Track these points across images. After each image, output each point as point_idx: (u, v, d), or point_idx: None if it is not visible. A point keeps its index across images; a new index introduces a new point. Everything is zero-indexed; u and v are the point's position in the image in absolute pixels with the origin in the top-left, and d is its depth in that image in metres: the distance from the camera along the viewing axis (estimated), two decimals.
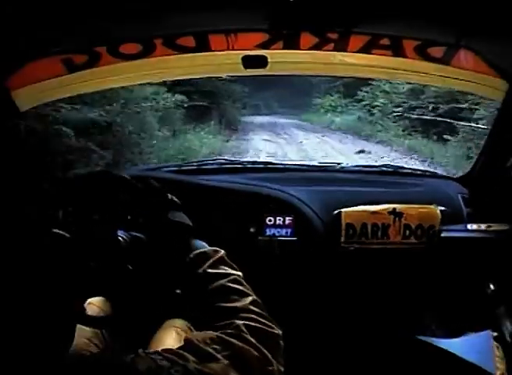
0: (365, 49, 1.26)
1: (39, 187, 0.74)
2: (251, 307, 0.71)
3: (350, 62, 1.35)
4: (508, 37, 1.04)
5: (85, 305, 0.68)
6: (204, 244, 0.87)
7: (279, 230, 1.42)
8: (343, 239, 1.38)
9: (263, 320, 0.70)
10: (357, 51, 1.27)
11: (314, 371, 1.41)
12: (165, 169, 1.64)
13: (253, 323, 0.68)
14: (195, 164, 1.69)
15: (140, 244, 0.86)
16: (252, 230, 1.42)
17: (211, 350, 0.62)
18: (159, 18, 1.07)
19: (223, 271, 0.78)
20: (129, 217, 0.87)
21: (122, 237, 0.82)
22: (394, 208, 1.38)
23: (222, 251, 0.83)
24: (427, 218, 1.38)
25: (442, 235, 1.38)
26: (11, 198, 0.63)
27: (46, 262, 0.57)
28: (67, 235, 0.62)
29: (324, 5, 1.02)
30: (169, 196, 0.92)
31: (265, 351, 0.65)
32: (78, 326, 0.62)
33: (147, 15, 1.04)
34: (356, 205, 1.40)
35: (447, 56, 1.25)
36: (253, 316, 0.70)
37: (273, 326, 0.71)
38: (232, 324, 0.67)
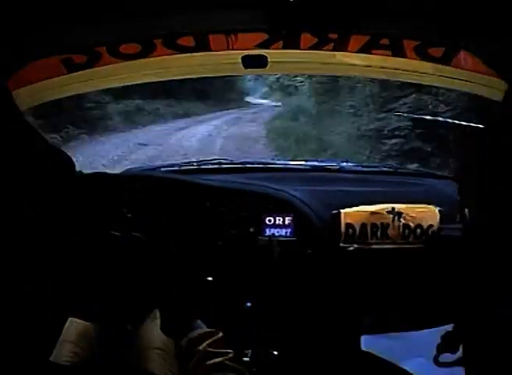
0: (365, 49, 1.26)
1: (39, 188, 0.74)
2: None
3: (350, 62, 1.35)
4: (508, 37, 1.04)
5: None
6: (203, 325, 0.89)
7: (279, 230, 1.42)
8: (342, 239, 1.38)
9: None
10: (357, 51, 1.27)
11: (314, 370, 1.41)
12: (165, 169, 1.64)
13: None
14: (195, 164, 1.69)
15: (139, 244, 0.86)
16: (252, 230, 1.42)
17: None
18: (159, 18, 1.07)
19: (222, 350, 0.82)
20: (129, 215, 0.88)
21: (121, 237, 0.82)
22: (393, 208, 1.39)
23: (221, 333, 0.86)
24: (426, 218, 1.39)
25: (442, 235, 1.38)
26: (12, 198, 0.63)
27: (46, 262, 0.57)
28: (67, 235, 0.62)
29: (324, 5, 1.02)
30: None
31: None
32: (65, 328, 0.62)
33: (147, 15, 1.04)
34: (356, 205, 1.40)
35: (447, 56, 1.25)
36: None
37: None
38: None
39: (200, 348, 0.81)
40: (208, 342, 0.82)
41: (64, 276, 0.62)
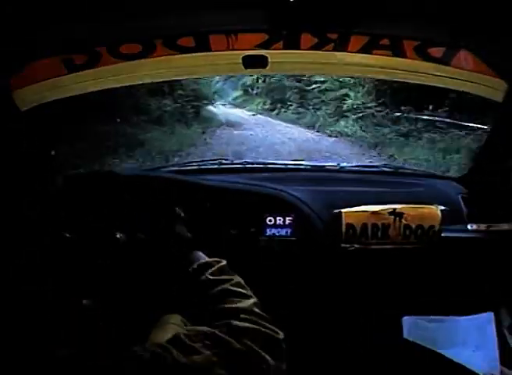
0: (365, 49, 1.26)
1: (40, 188, 0.74)
2: (253, 309, 0.73)
3: (350, 62, 1.35)
4: (508, 37, 1.04)
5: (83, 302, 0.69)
6: (204, 256, 0.90)
7: (279, 230, 1.42)
8: (343, 239, 1.38)
9: (263, 322, 0.71)
10: (357, 51, 1.27)
11: (314, 371, 1.41)
12: (166, 169, 1.64)
13: (253, 325, 0.69)
14: (195, 164, 1.69)
15: (140, 244, 0.86)
16: (252, 230, 1.42)
17: (197, 345, 0.63)
18: (159, 18, 1.07)
19: (225, 277, 0.81)
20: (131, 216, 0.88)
21: (122, 236, 0.82)
22: (394, 209, 1.38)
23: (224, 262, 0.86)
24: (427, 218, 1.38)
25: (442, 235, 1.38)
26: (12, 198, 0.63)
27: (46, 262, 0.57)
28: (68, 235, 0.62)
29: (324, 5, 1.03)
30: (177, 210, 0.94)
31: (261, 351, 0.65)
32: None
33: (147, 15, 1.04)
34: (356, 205, 1.40)
35: (447, 56, 1.25)
36: (254, 317, 0.71)
37: (274, 328, 0.72)
38: (229, 324, 0.68)
39: (203, 277, 0.80)
40: (210, 271, 0.81)
41: (64, 276, 0.62)
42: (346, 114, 9.73)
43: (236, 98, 16.83)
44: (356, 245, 1.38)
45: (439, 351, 1.33)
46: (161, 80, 1.53)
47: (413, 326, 1.42)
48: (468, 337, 1.38)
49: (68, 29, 1.04)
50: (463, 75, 1.30)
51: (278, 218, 1.42)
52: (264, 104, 14.30)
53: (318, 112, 10.68)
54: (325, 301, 1.44)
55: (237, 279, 0.81)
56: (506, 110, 1.33)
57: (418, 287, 1.43)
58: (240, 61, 1.31)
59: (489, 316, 1.35)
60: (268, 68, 1.36)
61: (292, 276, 1.41)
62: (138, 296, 0.91)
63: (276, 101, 13.30)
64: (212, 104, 12.76)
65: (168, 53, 1.26)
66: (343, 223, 1.38)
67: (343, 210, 1.39)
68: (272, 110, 13.31)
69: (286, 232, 1.42)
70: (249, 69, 1.37)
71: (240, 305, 0.73)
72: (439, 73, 1.33)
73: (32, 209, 0.65)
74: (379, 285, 1.43)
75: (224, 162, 1.69)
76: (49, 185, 0.92)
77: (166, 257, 0.90)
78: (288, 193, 1.45)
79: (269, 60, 1.32)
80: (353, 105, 9.73)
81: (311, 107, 11.22)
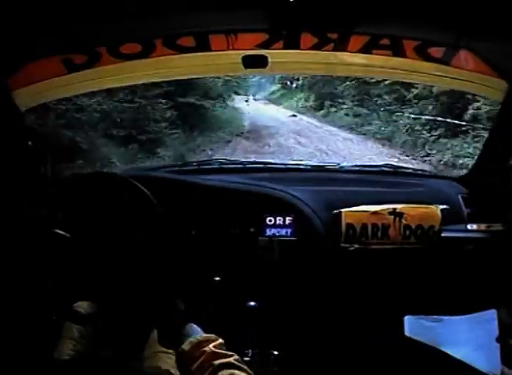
0: (365, 49, 1.26)
1: (39, 188, 0.74)
2: (235, 362, 0.77)
3: (350, 62, 1.35)
4: (508, 37, 1.04)
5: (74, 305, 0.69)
6: (198, 331, 0.89)
7: (279, 230, 1.42)
8: (343, 239, 1.38)
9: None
10: (357, 51, 1.27)
11: (314, 370, 1.41)
12: (166, 169, 1.64)
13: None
14: (195, 164, 1.69)
15: (139, 244, 0.86)
16: (252, 230, 1.42)
17: None
18: (159, 18, 1.07)
19: (228, 352, 0.82)
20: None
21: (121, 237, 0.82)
22: (394, 209, 1.38)
23: (221, 339, 0.85)
24: (427, 218, 1.38)
25: (443, 235, 1.38)
26: (12, 198, 0.63)
27: (46, 262, 0.57)
28: (67, 235, 0.62)
29: (324, 5, 1.03)
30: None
31: None
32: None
33: (147, 15, 1.04)
34: (356, 205, 1.40)
35: (447, 56, 1.25)
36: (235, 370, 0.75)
37: None
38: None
39: (207, 349, 0.81)
40: (213, 344, 0.82)
41: (64, 276, 0.62)
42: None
43: (273, 92, 13.24)
44: (356, 245, 1.38)
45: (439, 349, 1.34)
46: (161, 79, 1.53)
47: (414, 325, 1.42)
48: (470, 335, 1.38)
49: (68, 29, 1.04)
50: (463, 75, 1.30)
51: (278, 218, 1.42)
52: (307, 100, 10.60)
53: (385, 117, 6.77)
54: (326, 301, 1.44)
55: (236, 355, 0.82)
56: (506, 110, 1.33)
57: (418, 287, 1.43)
58: (240, 61, 1.31)
59: (491, 314, 1.35)
60: (268, 68, 1.36)
61: (292, 276, 1.41)
62: (139, 296, 0.90)
63: (323, 96, 9.37)
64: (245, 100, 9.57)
65: (168, 53, 1.26)
66: (343, 222, 1.38)
67: (342, 210, 1.39)
68: (318, 109, 9.47)
69: (286, 232, 1.42)
70: (249, 69, 1.37)
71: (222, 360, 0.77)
72: (439, 73, 1.33)
73: (32, 209, 0.65)
74: (379, 285, 1.43)
75: (224, 162, 1.69)
76: (49, 185, 0.92)
77: (166, 257, 0.90)
78: (288, 193, 1.45)
79: (269, 60, 1.32)
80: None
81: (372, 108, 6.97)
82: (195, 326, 0.89)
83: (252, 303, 1.42)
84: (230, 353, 0.81)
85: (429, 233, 1.38)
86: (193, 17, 1.09)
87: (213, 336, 0.86)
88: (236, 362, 0.79)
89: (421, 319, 1.42)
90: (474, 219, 1.42)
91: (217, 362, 0.78)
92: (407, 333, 1.40)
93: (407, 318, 1.42)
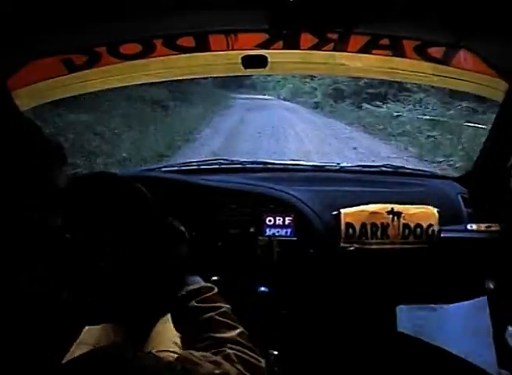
0: (365, 49, 1.26)
1: (40, 189, 0.74)
2: (238, 339, 0.74)
3: (350, 62, 1.35)
4: (508, 37, 1.04)
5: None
6: (199, 279, 0.89)
7: (279, 230, 1.42)
8: (342, 239, 1.38)
9: (249, 352, 0.73)
10: (357, 51, 1.27)
11: (314, 369, 1.41)
12: (165, 169, 1.64)
13: (239, 354, 0.71)
14: (195, 164, 1.69)
15: (140, 245, 0.86)
16: (252, 230, 1.42)
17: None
18: (159, 18, 1.07)
19: (212, 305, 0.81)
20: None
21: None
22: (393, 208, 1.39)
23: (215, 289, 0.86)
24: (425, 217, 1.38)
25: (442, 235, 1.38)
26: (11, 199, 0.63)
27: (46, 262, 0.57)
28: (68, 236, 0.62)
29: (324, 5, 1.02)
30: (178, 227, 0.93)
31: None
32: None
33: (147, 15, 1.04)
34: (356, 205, 1.40)
35: (447, 56, 1.25)
36: (239, 347, 0.72)
37: (258, 357, 0.73)
38: (223, 352, 0.70)
39: (190, 304, 0.81)
40: (197, 299, 0.81)
41: (64, 276, 0.62)
42: None
43: None
44: (355, 245, 1.38)
45: (432, 339, 1.33)
46: (161, 80, 1.53)
47: (406, 315, 1.41)
48: (462, 323, 1.37)
49: (68, 29, 1.04)
50: (463, 75, 1.30)
51: (278, 218, 1.42)
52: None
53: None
54: (326, 300, 1.44)
55: (224, 308, 0.81)
56: (506, 110, 1.33)
57: (417, 287, 1.43)
58: (240, 61, 1.31)
59: (482, 302, 1.34)
60: (267, 68, 1.36)
61: (292, 275, 1.41)
62: (142, 292, 0.90)
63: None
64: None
65: (168, 53, 1.26)
66: (343, 222, 1.38)
67: (342, 210, 1.39)
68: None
69: (286, 232, 1.42)
70: (248, 69, 1.38)
71: (225, 335, 0.75)
72: (439, 73, 1.34)
73: (33, 210, 0.65)
74: (379, 285, 1.44)
75: (223, 162, 1.69)
76: (49, 185, 0.92)
77: (166, 257, 0.90)
78: (288, 193, 1.45)
79: (269, 60, 1.32)
80: None
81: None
82: (196, 277, 0.89)
83: (252, 303, 1.42)
84: (217, 306, 0.80)
85: (428, 232, 1.38)
86: (193, 17, 1.09)
87: (207, 286, 0.85)
88: (219, 317, 0.77)
89: (412, 308, 1.42)
90: (474, 219, 1.42)
91: (200, 318, 0.77)
92: (398, 324, 1.40)
93: (399, 308, 1.42)
